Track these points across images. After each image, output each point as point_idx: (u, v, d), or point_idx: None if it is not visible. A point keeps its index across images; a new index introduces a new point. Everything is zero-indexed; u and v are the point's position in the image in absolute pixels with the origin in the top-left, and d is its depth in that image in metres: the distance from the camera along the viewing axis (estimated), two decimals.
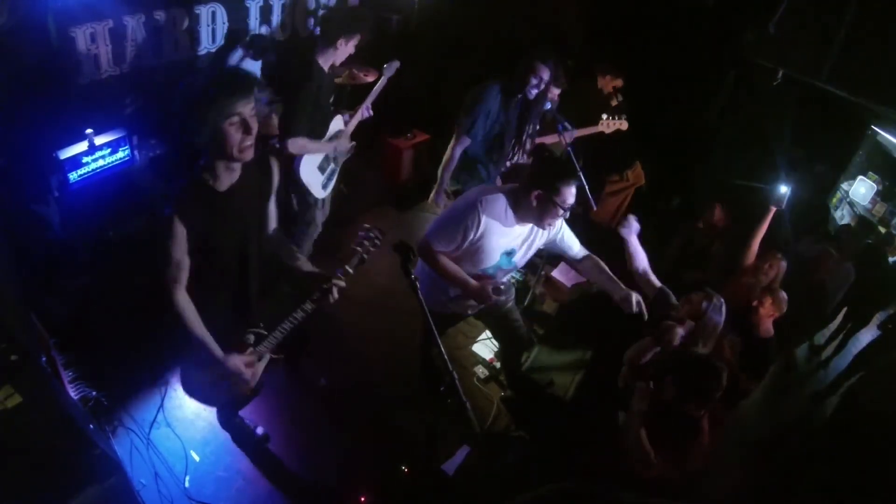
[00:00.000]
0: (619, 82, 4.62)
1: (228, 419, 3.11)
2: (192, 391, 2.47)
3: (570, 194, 2.44)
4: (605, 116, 4.14)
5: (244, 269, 2.22)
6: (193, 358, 2.32)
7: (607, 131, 4.18)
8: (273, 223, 2.35)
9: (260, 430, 3.14)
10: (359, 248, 2.19)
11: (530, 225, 2.63)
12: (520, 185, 2.53)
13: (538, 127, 4.10)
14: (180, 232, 1.96)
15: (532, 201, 2.45)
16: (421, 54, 5.73)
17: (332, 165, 3.84)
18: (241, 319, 2.33)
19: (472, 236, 2.52)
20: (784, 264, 3.67)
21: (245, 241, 2.16)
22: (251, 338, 2.31)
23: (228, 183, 2.01)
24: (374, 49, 5.12)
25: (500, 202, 2.51)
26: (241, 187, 2.05)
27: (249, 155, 1.91)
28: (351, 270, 2.19)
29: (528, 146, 4.11)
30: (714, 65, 5.23)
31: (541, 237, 2.73)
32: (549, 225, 2.58)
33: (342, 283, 2.18)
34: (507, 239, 2.61)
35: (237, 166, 1.99)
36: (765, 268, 3.65)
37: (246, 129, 1.84)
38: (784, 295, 3.42)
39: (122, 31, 3.91)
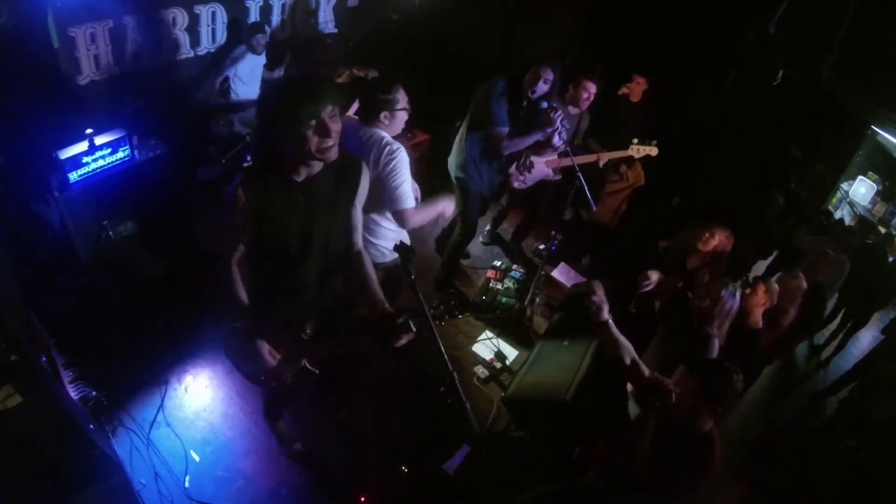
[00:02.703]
0: (654, 150, 4.34)
1: (273, 426, 3.13)
2: (228, 351, 2.47)
3: (401, 96, 2.71)
4: (635, 141, 4.20)
5: (304, 266, 2.15)
6: (233, 320, 2.32)
7: (637, 156, 4.27)
8: (355, 235, 2.22)
9: (297, 445, 3.13)
10: (432, 311, 1.93)
11: None
12: (364, 118, 2.76)
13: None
14: (240, 201, 1.95)
15: (384, 122, 2.71)
16: (421, 54, 5.74)
17: None
18: (285, 312, 2.27)
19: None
20: (804, 284, 3.65)
21: (308, 238, 2.08)
22: (308, 330, 2.25)
23: (306, 174, 1.99)
24: (374, 48, 5.14)
25: (384, 134, 2.73)
26: (319, 182, 2.01)
27: (333, 155, 1.89)
28: (414, 329, 1.94)
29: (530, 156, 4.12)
30: (714, 65, 5.23)
31: None
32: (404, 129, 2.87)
33: (409, 338, 1.96)
34: None
35: (318, 163, 1.96)
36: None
37: (324, 133, 1.83)
38: (776, 287, 3.39)
39: (122, 31, 3.92)
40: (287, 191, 1.99)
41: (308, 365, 2.34)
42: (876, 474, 3.74)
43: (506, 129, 3.69)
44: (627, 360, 2.49)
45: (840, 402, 4.30)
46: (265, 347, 2.20)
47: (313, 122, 1.81)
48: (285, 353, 2.26)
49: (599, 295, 2.59)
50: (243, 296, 2.15)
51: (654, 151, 4.20)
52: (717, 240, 3.65)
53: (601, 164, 4.12)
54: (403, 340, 1.95)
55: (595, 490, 2.50)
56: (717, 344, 2.86)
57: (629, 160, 5.04)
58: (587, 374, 3.62)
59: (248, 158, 4.49)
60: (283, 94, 1.88)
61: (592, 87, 3.99)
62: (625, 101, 4.84)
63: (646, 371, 2.46)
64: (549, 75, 3.63)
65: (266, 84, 4.74)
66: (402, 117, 2.77)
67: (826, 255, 4.35)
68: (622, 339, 2.53)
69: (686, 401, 2.26)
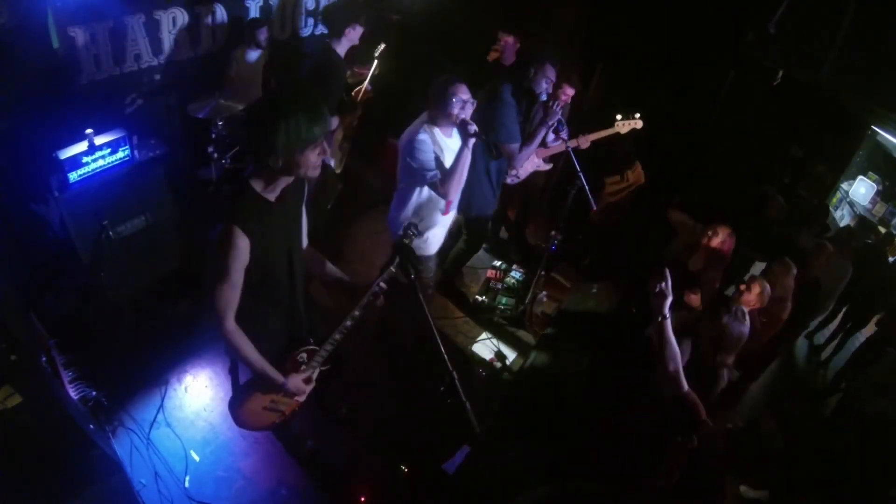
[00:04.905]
0: (639, 123, 4.26)
1: (283, 432, 3.08)
2: (243, 422, 2.38)
3: (461, 91, 2.78)
4: (619, 117, 4.07)
5: (292, 281, 2.14)
6: (243, 388, 2.29)
7: (623, 132, 4.12)
8: (305, 236, 2.27)
9: (310, 443, 3.13)
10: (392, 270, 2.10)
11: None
12: (429, 115, 2.92)
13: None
14: (243, 245, 1.81)
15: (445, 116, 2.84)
16: (421, 54, 5.73)
17: (346, 144, 4.34)
18: (291, 336, 2.28)
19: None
20: (794, 269, 3.64)
21: (291, 253, 2.09)
22: (303, 356, 2.25)
23: (279, 191, 1.93)
24: (373, 48, 5.13)
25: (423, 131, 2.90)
26: (288, 195, 1.98)
27: (317, 173, 1.90)
28: (384, 286, 2.14)
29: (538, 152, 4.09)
30: (714, 65, 5.23)
31: None
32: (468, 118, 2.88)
33: (384, 286, 2.13)
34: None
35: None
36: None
37: (323, 150, 1.87)
38: (769, 289, 3.37)
39: (122, 31, 3.91)
40: (268, 216, 1.92)
41: (322, 367, 2.37)
42: (870, 470, 3.74)
43: (517, 145, 3.61)
44: (671, 368, 2.32)
45: (837, 401, 4.30)
46: (300, 382, 2.19)
47: (316, 146, 1.81)
48: (305, 373, 2.28)
49: (668, 285, 2.33)
50: (256, 353, 2.03)
51: (638, 124, 4.05)
52: (721, 237, 3.64)
53: (584, 145, 3.99)
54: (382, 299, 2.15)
55: (595, 490, 2.50)
56: (726, 376, 2.72)
57: (628, 158, 5.04)
58: (587, 374, 3.63)
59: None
60: (288, 113, 1.73)
61: (571, 91, 4.05)
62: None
63: (684, 386, 2.32)
64: (553, 74, 3.64)
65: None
66: (457, 113, 2.85)
67: (825, 248, 4.31)
68: (674, 343, 2.32)
69: (711, 442, 2.20)
